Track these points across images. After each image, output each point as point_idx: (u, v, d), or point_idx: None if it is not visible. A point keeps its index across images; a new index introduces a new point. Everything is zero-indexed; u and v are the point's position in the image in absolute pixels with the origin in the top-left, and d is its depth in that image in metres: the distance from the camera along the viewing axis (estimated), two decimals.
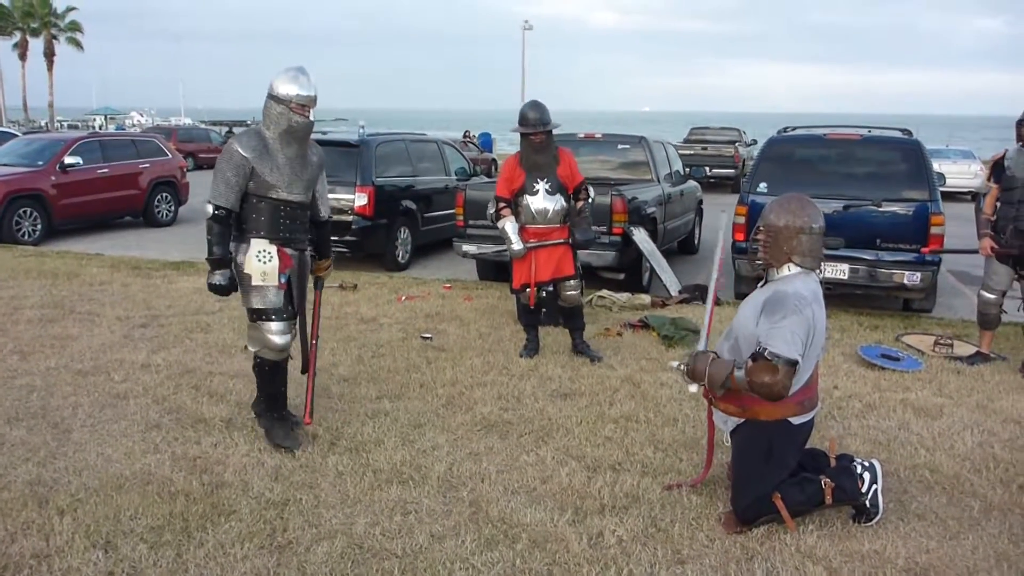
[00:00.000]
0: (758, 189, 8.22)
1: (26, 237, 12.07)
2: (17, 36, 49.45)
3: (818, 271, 3.66)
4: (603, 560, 3.29)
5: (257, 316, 4.28)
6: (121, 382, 5.39)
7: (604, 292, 8.28)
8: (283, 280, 4.25)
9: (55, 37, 50.05)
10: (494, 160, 26.67)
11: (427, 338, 6.63)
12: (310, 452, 4.29)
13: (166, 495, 3.77)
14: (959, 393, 5.51)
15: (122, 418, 4.76)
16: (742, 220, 8.08)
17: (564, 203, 6.15)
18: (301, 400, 4.67)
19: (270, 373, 4.39)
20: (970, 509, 3.79)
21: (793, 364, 3.36)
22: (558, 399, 5.23)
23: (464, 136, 28.61)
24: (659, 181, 9.85)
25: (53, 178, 12.53)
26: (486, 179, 12.91)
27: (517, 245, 6.04)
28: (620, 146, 10.27)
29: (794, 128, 9.00)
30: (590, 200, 6.27)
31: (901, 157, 8.10)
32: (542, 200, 6.08)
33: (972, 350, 6.42)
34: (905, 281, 7.51)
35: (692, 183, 11.58)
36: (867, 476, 3.59)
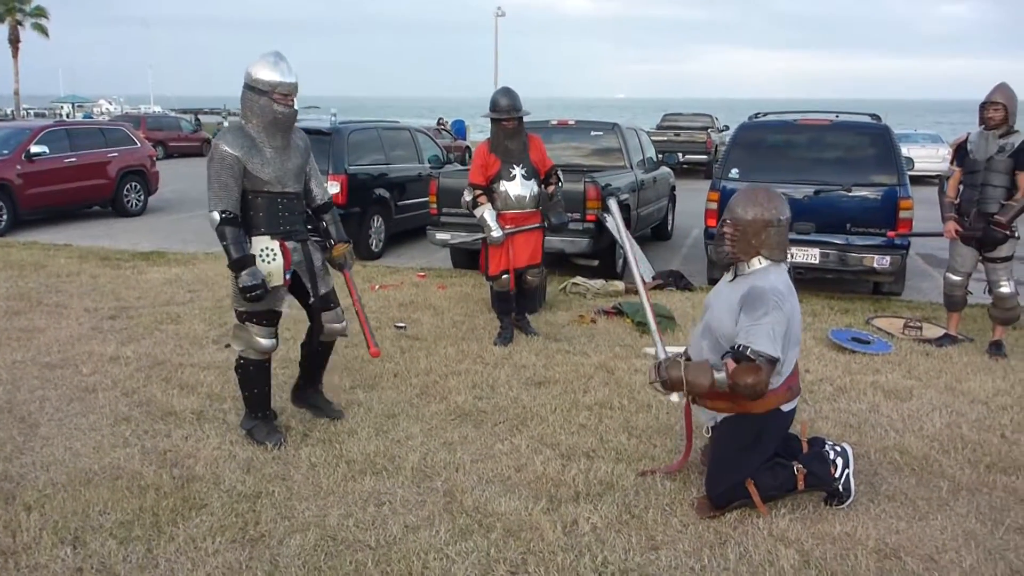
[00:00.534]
0: (730, 175, 8.26)
1: None
2: None
3: (785, 262, 3.66)
4: (577, 547, 3.29)
5: (246, 317, 4.19)
6: (90, 375, 5.32)
7: (578, 279, 8.28)
8: (287, 276, 4.17)
9: (20, 23, 49.04)
10: (468, 147, 26.57)
11: (401, 327, 6.60)
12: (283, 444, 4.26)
13: (136, 489, 3.72)
14: (928, 375, 5.58)
15: (91, 412, 4.69)
16: (714, 206, 8.11)
17: (537, 188, 6.28)
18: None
19: (255, 373, 4.30)
20: (939, 489, 3.84)
21: (774, 362, 3.36)
22: (532, 387, 5.23)
23: (438, 123, 28.49)
24: (632, 168, 9.86)
25: (19, 167, 12.30)
26: (460, 167, 12.86)
27: (497, 232, 6.12)
28: (593, 133, 10.26)
29: (765, 114, 9.04)
30: (560, 184, 6.41)
31: (870, 142, 8.16)
32: (519, 186, 6.19)
33: (940, 332, 6.50)
34: (875, 265, 7.58)
35: (665, 169, 11.60)
36: (839, 461, 3.63)
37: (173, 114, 39.23)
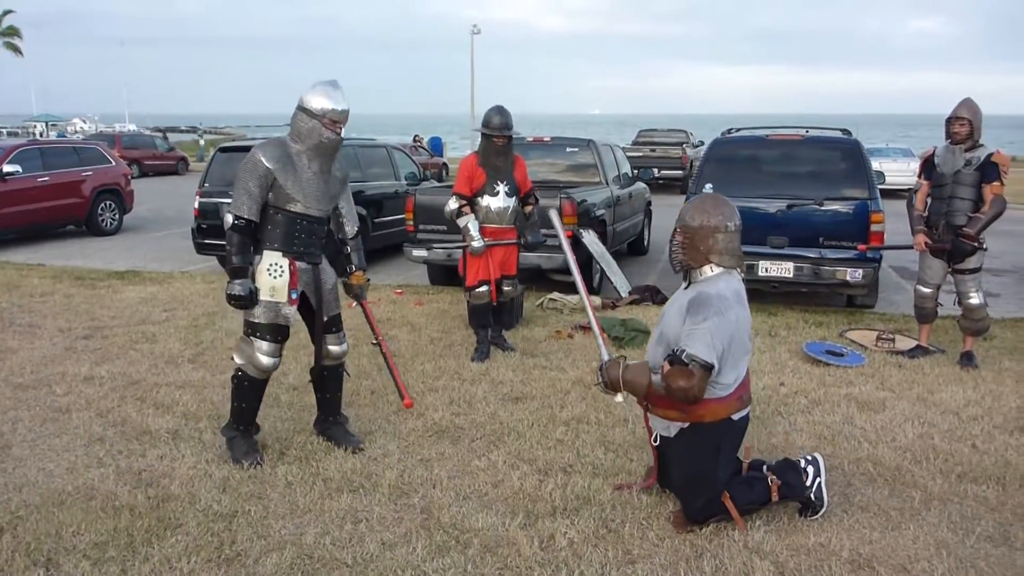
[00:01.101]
0: (704, 189, 8.33)
1: None
2: None
3: (739, 269, 3.69)
4: (554, 563, 3.30)
5: (252, 331, 4.19)
6: (63, 395, 5.27)
7: (555, 295, 8.32)
8: (294, 296, 4.16)
9: None
10: (445, 164, 26.63)
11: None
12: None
13: (110, 510, 3.69)
14: (900, 386, 5.65)
15: (64, 432, 4.65)
16: None
17: (517, 205, 6.50)
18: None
19: (248, 388, 4.28)
20: (911, 500, 3.89)
21: (709, 368, 3.38)
22: (509, 403, 5.25)
23: (413, 140, 28.53)
24: (608, 184, 9.93)
25: None
26: (436, 183, 12.88)
27: (478, 242, 6.28)
28: (568, 149, 10.33)
29: (738, 129, 9.15)
30: (536, 204, 6.66)
31: (841, 156, 8.29)
32: (502, 201, 6.40)
33: (912, 344, 6.59)
34: (848, 278, 7.67)
35: (640, 185, 11.70)
36: (811, 470, 3.67)
37: (148, 132, 39.04)
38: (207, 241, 10.20)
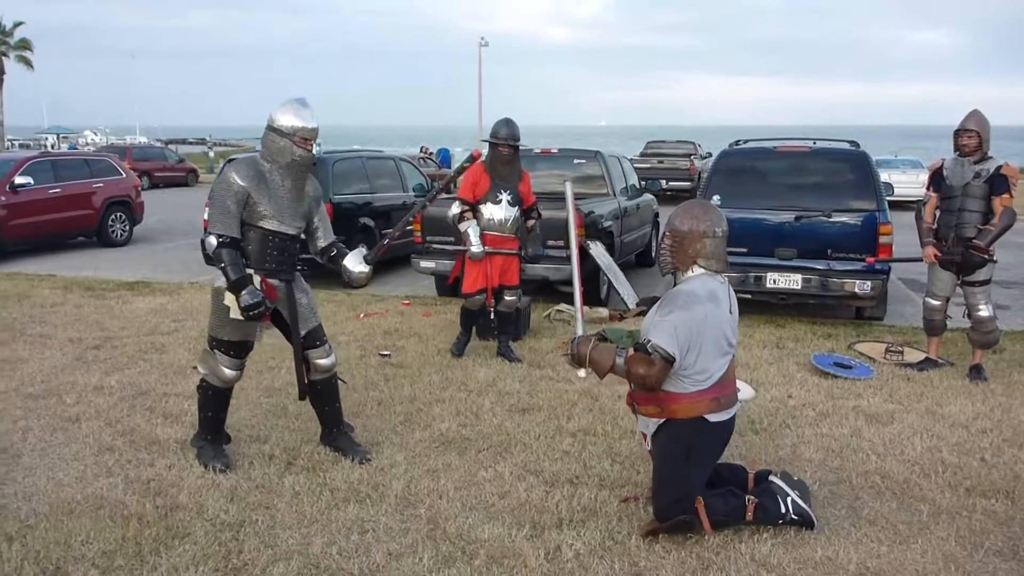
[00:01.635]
0: (712, 201, 8.34)
1: None
2: None
3: (722, 276, 3.74)
4: (560, 574, 3.30)
5: (216, 345, 4.25)
6: (73, 405, 5.30)
7: (562, 306, 8.32)
8: (266, 312, 4.14)
9: (4, 55, 49.07)
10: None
11: (385, 355, 6.61)
12: (266, 472, 4.25)
13: (119, 519, 3.71)
14: (909, 399, 5.63)
15: (74, 441, 4.67)
16: None
17: (518, 216, 6.55)
18: (246, 421, 4.63)
19: (213, 398, 4.35)
20: (919, 513, 3.88)
21: (669, 360, 3.48)
22: (516, 414, 5.25)
23: (421, 151, 28.62)
24: (615, 195, 9.95)
25: (3, 198, 12.29)
26: (445, 195, 12.92)
27: (477, 248, 6.37)
28: (576, 161, 10.36)
29: (745, 141, 9.16)
30: (539, 219, 6.74)
31: (849, 168, 8.29)
32: (504, 210, 6.47)
33: (921, 356, 6.57)
34: (856, 290, 7.65)
35: (648, 196, 11.71)
36: (794, 495, 3.65)
37: (159, 144, 39.28)
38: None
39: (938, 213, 6.33)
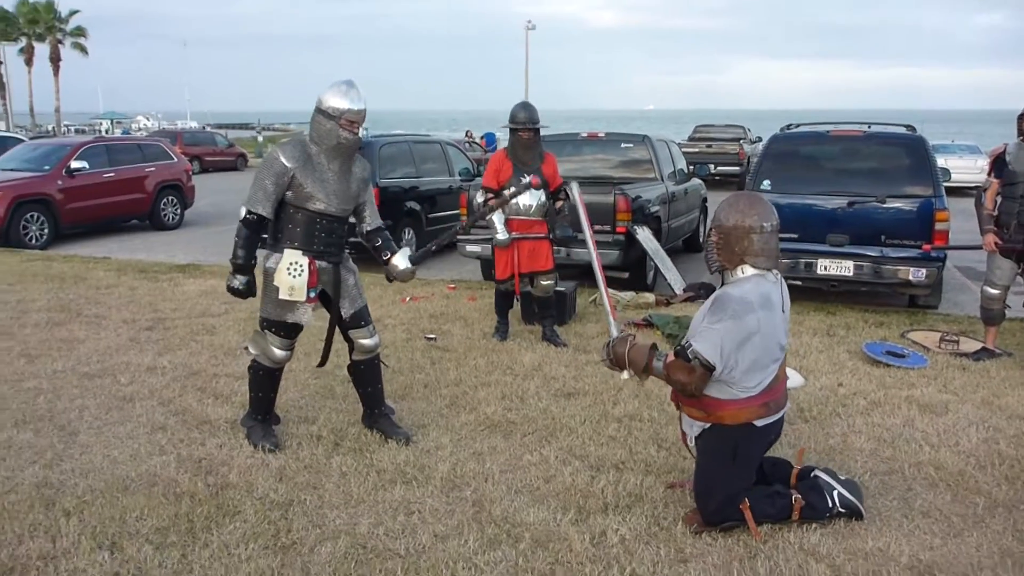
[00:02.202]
0: (762, 187, 8.21)
1: (33, 241, 12.14)
2: (23, 42, 49.66)
3: (774, 273, 3.56)
4: (606, 559, 3.29)
5: (267, 325, 4.31)
6: (127, 384, 5.42)
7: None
8: (312, 295, 4.22)
9: (60, 42, 50.25)
10: None
11: (431, 338, 6.64)
12: (314, 453, 4.30)
13: (171, 496, 3.79)
14: (964, 389, 5.49)
15: (128, 420, 4.78)
16: None
17: (545, 199, 6.53)
18: (294, 402, 4.68)
19: (263, 379, 4.41)
20: (975, 506, 3.78)
21: (710, 369, 3.35)
22: (562, 398, 5.24)
23: (466, 135, 28.66)
24: (663, 180, 9.85)
25: (59, 183, 12.61)
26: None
27: (503, 235, 6.38)
28: (623, 145, 10.27)
29: (797, 125, 8.99)
30: (568, 201, 6.60)
31: (905, 153, 8.09)
32: (528, 194, 6.41)
33: (978, 346, 6.40)
34: (910, 277, 7.48)
35: (696, 181, 11.57)
36: (843, 490, 3.58)
37: (209, 130, 39.89)
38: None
39: (999, 200, 6.15)
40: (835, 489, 3.58)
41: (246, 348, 4.46)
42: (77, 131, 49.13)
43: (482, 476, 4.05)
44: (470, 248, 8.95)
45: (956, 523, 3.62)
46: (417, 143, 11.93)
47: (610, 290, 8.32)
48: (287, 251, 4.19)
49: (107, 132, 46.00)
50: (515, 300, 6.80)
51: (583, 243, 7.85)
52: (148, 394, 5.23)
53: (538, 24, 40.52)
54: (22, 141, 16.81)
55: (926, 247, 7.27)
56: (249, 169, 30.15)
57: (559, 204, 6.58)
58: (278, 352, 4.33)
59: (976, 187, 6.56)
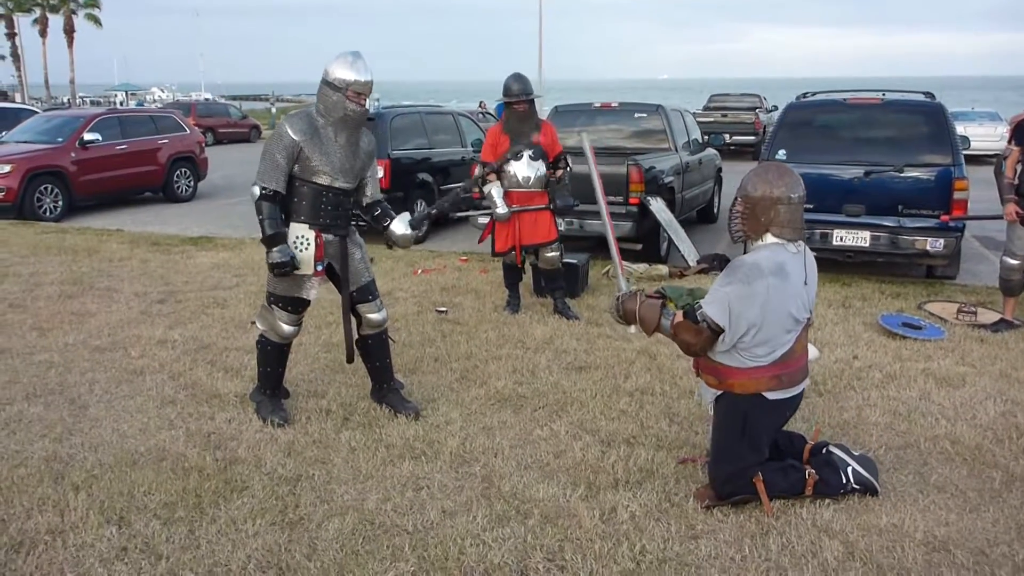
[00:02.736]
0: (777, 156, 8.08)
1: (47, 214, 12.16)
2: (36, 13, 49.58)
3: (797, 245, 3.52)
4: (616, 535, 3.26)
5: (274, 300, 4.29)
6: (138, 358, 5.42)
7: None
8: (319, 268, 4.19)
9: (74, 13, 50.11)
10: None
11: (442, 311, 6.61)
12: (323, 427, 4.29)
13: (180, 471, 3.78)
14: (982, 362, 5.41)
15: (138, 394, 4.78)
16: None
17: (544, 170, 6.45)
18: (303, 376, 4.66)
19: (271, 353, 4.41)
20: (991, 480, 3.73)
21: (717, 332, 3.37)
22: (573, 372, 5.20)
23: (479, 106, 28.46)
24: (677, 150, 9.72)
25: (73, 155, 12.60)
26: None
27: (502, 208, 6.34)
28: (637, 115, 10.14)
29: (813, 93, 8.83)
30: (568, 170, 6.58)
31: (923, 120, 7.92)
32: (525, 167, 6.38)
33: (996, 317, 6.30)
34: (928, 248, 7.37)
35: (711, 151, 11.43)
36: (857, 466, 3.54)
37: (223, 101, 39.82)
38: None
39: (1020, 168, 6.02)
40: (849, 465, 3.53)
41: (254, 323, 4.44)
42: (92, 103, 49.15)
43: (492, 451, 4.02)
44: (482, 220, 8.87)
45: (972, 498, 3.57)
46: (429, 114, 11.83)
47: (624, 262, 8.25)
48: (293, 224, 4.16)
49: (121, 104, 46.02)
50: (522, 273, 6.76)
51: (596, 214, 7.81)
52: (158, 367, 5.23)
53: None
54: (35, 113, 16.80)
55: (944, 217, 7.14)
56: (263, 141, 30.09)
57: (559, 173, 6.51)
58: (285, 327, 4.31)
59: (996, 155, 6.41)
